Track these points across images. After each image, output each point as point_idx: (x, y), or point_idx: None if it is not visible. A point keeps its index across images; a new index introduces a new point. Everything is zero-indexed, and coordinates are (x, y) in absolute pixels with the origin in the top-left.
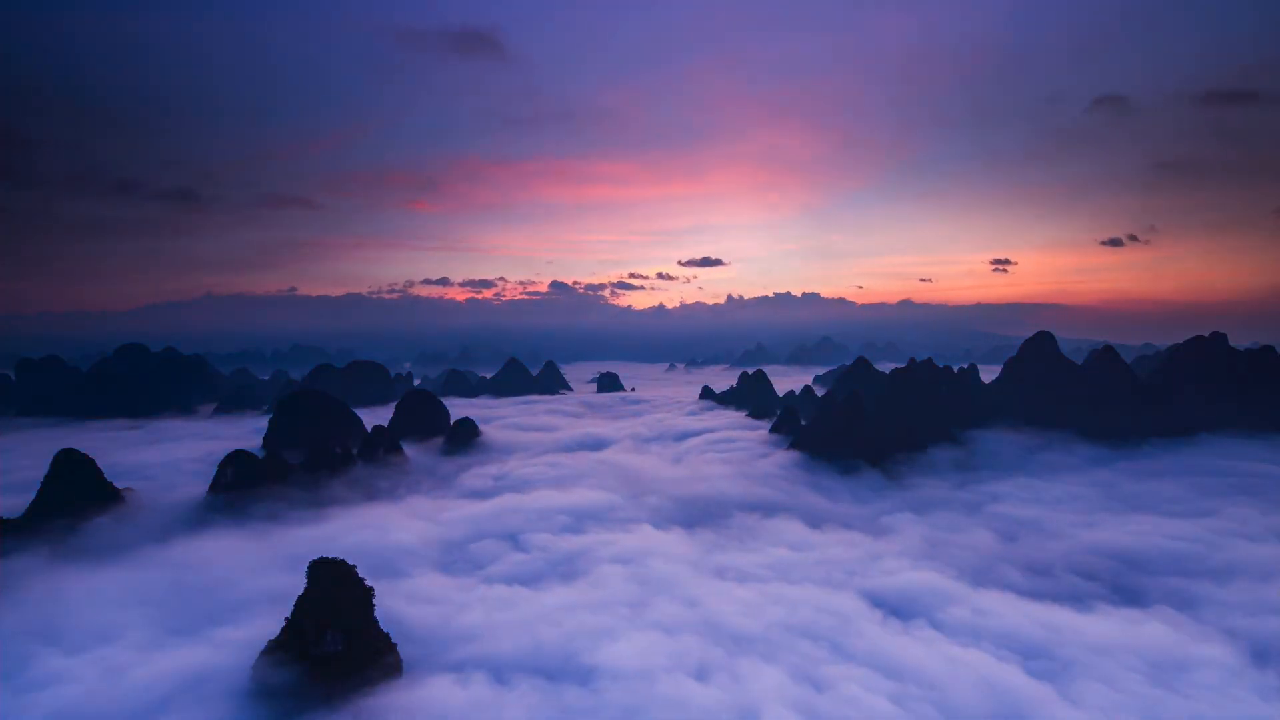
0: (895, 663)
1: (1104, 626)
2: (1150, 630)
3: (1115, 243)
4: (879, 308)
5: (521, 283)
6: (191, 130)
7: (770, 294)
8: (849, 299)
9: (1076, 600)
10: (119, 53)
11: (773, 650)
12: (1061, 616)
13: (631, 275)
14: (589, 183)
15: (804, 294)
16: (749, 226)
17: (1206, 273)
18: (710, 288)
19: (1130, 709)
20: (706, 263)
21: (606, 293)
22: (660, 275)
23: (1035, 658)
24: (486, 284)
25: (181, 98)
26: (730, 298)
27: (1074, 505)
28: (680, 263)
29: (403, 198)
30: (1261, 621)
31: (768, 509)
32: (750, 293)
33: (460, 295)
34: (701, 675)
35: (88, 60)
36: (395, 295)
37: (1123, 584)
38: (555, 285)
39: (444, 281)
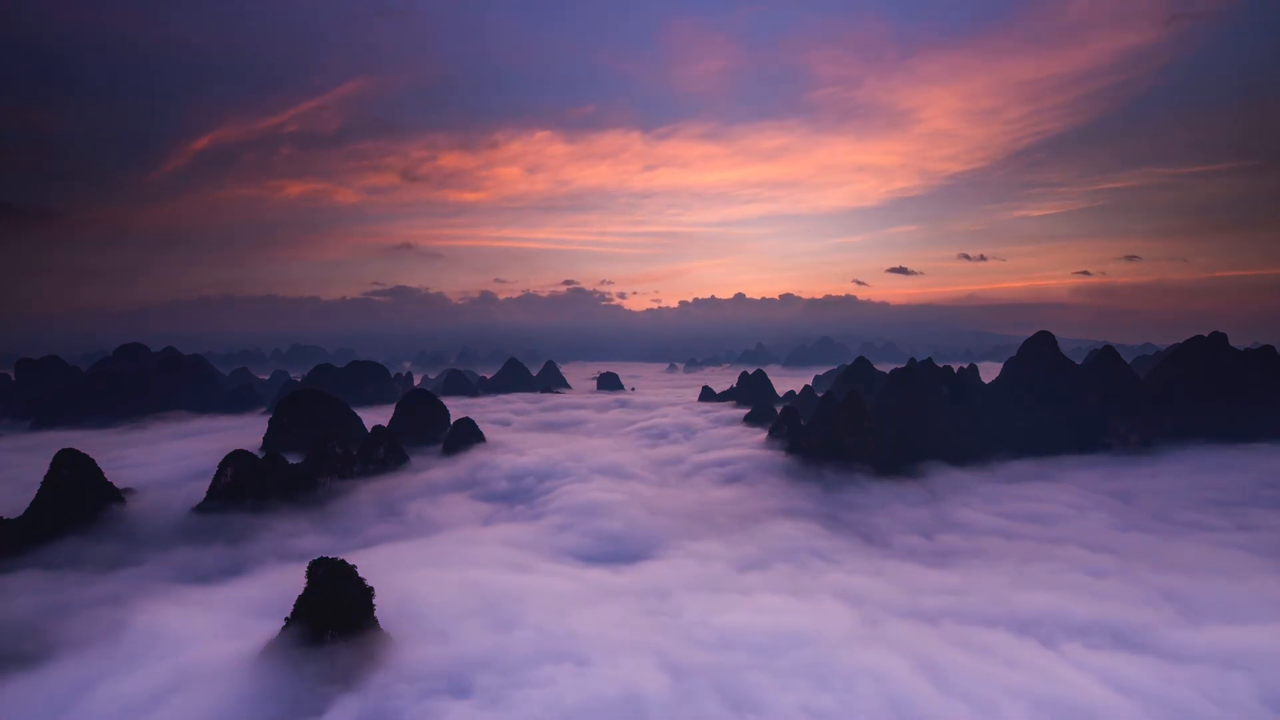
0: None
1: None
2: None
3: None
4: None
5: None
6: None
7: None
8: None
9: (1075, 601)
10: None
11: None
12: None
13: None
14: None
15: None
16: None
17: None
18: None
19: None
20: None
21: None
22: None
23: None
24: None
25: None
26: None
27: (1074, 505)
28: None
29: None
30: None
31: (768, 510)
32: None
33: (459, 296)
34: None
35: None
36: (391, 298)
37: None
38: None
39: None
